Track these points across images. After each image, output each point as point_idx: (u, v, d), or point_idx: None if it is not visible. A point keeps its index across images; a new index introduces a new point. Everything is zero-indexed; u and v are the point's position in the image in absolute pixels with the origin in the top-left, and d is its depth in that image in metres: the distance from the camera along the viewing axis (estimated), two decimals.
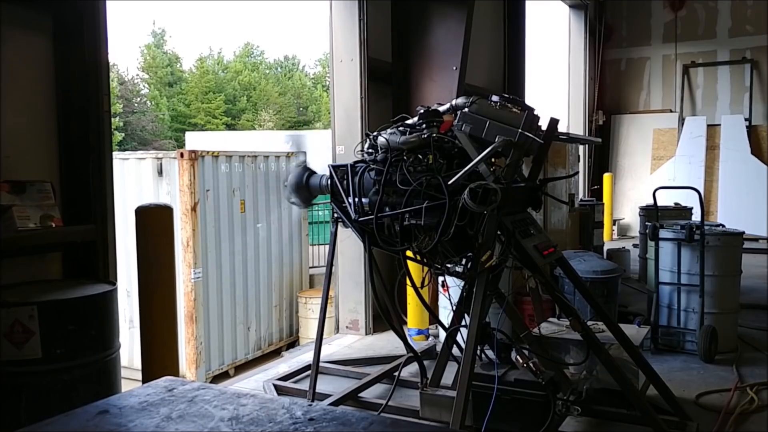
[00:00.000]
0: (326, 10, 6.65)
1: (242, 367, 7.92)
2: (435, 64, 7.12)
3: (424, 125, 3.68)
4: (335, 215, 4.13)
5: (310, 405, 1.81)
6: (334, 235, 4.29)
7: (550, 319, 4.85)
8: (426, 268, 3.98)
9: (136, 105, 35.04)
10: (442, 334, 4.63)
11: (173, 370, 3.85)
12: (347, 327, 6.63)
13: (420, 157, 3.61)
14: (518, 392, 3.63)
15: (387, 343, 6.14)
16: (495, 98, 3.73)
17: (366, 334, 6.52)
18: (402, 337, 4.18)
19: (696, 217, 8.48)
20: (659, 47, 14.85)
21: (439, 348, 4.97)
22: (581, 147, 12.52)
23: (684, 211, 8.89)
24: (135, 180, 7.77)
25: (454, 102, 3.87)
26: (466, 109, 3.62)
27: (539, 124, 3.64)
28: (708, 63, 14.36)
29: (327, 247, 4.67)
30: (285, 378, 5.11)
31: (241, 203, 8.20)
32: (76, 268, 3.94)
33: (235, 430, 1.63)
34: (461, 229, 3.40)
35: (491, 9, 9.91)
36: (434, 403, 3.86)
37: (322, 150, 12.63)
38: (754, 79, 13.90)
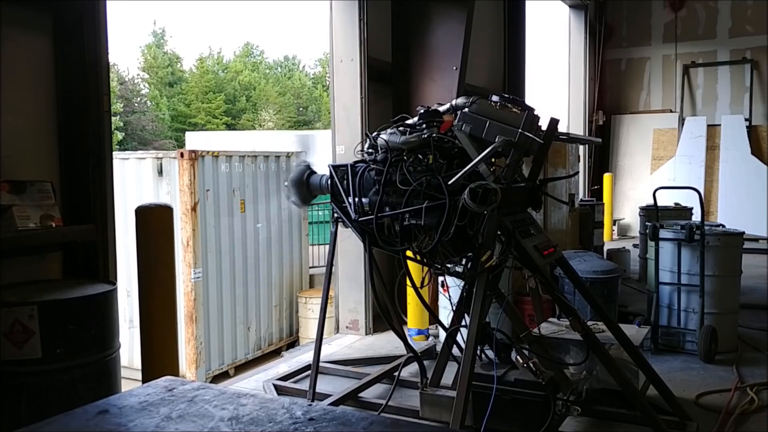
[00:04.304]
0: (326, 10, 6.65)
1: (242, 367, 7.92)
2: (435, 64, 7.12)
3: (424, 125, 3.68)
4: (335, 215, 4.12)
5: (310, 405, 1.81)
6: (334, 235, 4.29)
7: (550, 319, 4.85)
8: (426, 268, 3.98)
9: (136, 105, 35.04)
10: (442, 334, 4.63)
11: (173, 370, 3.85)
12: (347, 327, 6.63)
13: (420, 157, 3.61)
14: (518, 392, 3.63)
15: (387, 343, 6.14)
16: (495, 98, 3.72)
17: (366, 334, 6.52)
18: (402, 337, 4.18)
19: (696, 217, 8.49)
20: (659, 47, 14.85)
21: (439, 348, 4.97)
22: (581, 147, 12.52)
23: (684, 211, 8.90)
24: (135, 180, 7.76)
25: (454, 102, 3.87)
26: (466, 109, 3.62)
27: (539, 124, 3.64)
28: (708, 63, 14.37)
29: (327, 247, 4.67)
30: (285, 378, 5.11)
31: (241, 203, 8.20)
32: (76, 268, 3.94)
33: (235, 430, 1.63)
34: (461, 229, 3.40)
35: (491, 9, 9.91)
36: (434, 403, 3.86)
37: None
38: (754, 79, 13.90)
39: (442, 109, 3.83)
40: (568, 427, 4.04)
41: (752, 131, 13.77)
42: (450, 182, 3.36)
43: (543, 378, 3.53)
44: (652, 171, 14.56)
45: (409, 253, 3.94)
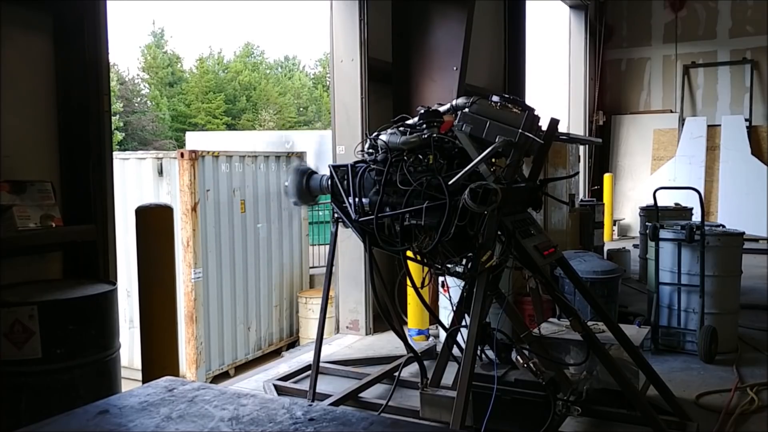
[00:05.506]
0: (326, 10, 6.65)
1: (242, 367, 7.91)
2: (435, 64, 7.12)
3: (424, 125, 3.68)
4: (335, 215, 4.13)
5: (310, 405, 1.81)
6: (335, 235, 4.29)
7: (550, 320, 4.85)
8: (426, 268, 3.98)
9: (136, 105, 35.01)
10: (442, 334, 4.63)
11: (173, 370, 3.85)
12: (347, 327, 6.63)
13: (420, 157, 3.61)
14: (518, 392, 3.62)
15: (387, 343, 6.14)
16: (495, 98, 3.72)
17: (366, 335, 6.52)
18: (402, 337, 4.18)
19: (696, 217, 8.48)
20: (659, 47, 14.85)
21: (439, 348, 4.97)
22: (581, 147, 12.52)
23: (684, 212, 8.90)
24: (135, 180, 7.76)
25: (454, 102, 3.87)
26: (467, 110, 3.62)
27: (539, 124, 3.64)
28: (708, 63, 14.37)
29: (327, 247, 4.67)
30: (285, 378, 5.11)
31: (241, 203, 8.20)
32: (76, 268, 3.94)
33: (235, 430, 1.63)
34: (461, 229, 3.40)
35: (491, 9, 9.91)
36: (434, 403, 3.86)
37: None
38: (754, 79, 13.90)
39: (442, 109, 3.83)
40: (568, 427, 4.04)
41: (752, 131, 13.77)
42: (450, 182, 3.36)
43: (543, 378, 3.53)
44: (653, 171, 14.56)
45: (409, 253, 3.94)
